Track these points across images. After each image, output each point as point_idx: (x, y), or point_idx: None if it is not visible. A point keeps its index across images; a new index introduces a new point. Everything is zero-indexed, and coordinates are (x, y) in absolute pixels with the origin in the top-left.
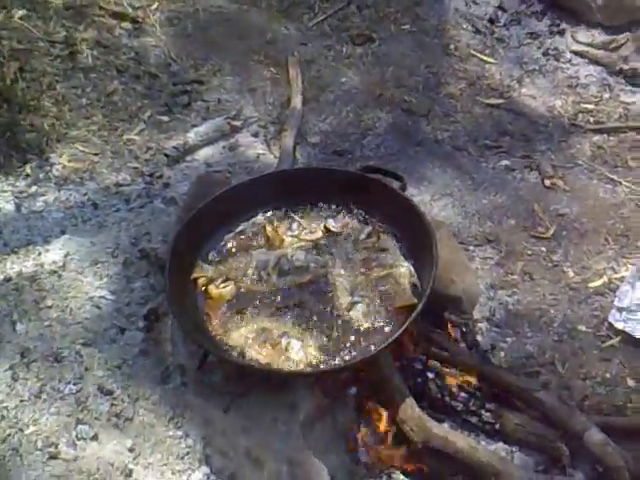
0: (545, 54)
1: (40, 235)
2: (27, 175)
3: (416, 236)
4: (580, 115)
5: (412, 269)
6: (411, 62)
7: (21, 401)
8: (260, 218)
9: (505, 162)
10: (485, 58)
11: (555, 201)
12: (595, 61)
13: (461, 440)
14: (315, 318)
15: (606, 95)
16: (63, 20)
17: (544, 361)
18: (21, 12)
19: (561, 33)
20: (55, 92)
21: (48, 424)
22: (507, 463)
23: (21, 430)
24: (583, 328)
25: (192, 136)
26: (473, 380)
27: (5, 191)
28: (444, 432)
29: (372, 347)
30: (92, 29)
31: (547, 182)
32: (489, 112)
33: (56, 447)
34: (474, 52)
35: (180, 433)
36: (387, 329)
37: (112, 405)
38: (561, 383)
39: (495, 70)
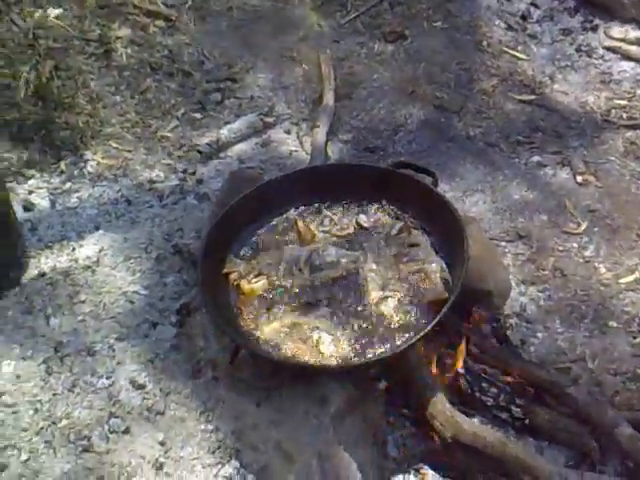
0: (578, 50)
1: (74, 231)
2: (62, 172)
3: (447, 231)
4: (613, 111)
5: (443, 264)
6: (443, 59)
7: (54, 394)
8: (292, 214)
9: (537, 158)
10: (517, 54)
11: (587, 197)
12: (628, 57)
13: (491, 435)
14: (346, 313)
15: (639, 91)
16: (98, 19)
17: (575, 357)
18: (57, 11)
19: (594, 29)
20: (89, 90)
21: (81, 417)
22: (537, 458)
23: (54, 423)
24: (614, 324)
25: (225, 133)
26: (503, 375)
27: (40, 187)
28: (474, 427)
29: (402, 342)
30: (126, 27)
31: (579, 178)
32: (521, 108)
33: (89, 440)
34: (506, 48)
35: (211, 427)
36: (418, 324)
37: (144, 399)
38: (592, 379)
39: (527, 66)
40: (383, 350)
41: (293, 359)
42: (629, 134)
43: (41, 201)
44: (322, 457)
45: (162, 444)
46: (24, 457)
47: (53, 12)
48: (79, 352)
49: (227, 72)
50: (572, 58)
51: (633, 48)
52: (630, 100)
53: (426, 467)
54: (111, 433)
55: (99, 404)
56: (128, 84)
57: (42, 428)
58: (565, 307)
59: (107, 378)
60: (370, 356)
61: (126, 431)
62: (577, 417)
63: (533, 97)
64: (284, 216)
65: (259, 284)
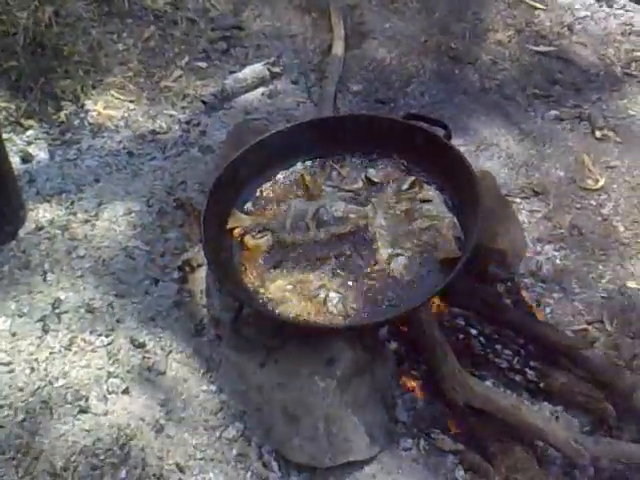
0: (598, 0)
1: (74, 183)
2: (61, 122)
3: (460, 187)
4: (633, 64)
5: (456, 221)
6: (458, 8)
7: (51, 353)
8: (299, 167)
9: (554, 112)
10: (534, 4)
11: (606, 153)
12: None
13: (504, 399)
14: (355, 270)
15: None
16: None
17: (592, 319)
18: None
19: None
20: (90, 37)
21: (78, 377)
22: (551, 424)
23: (51, 383)
24: (633, 285)
25: (230, 83)
26: (518, 337)
27: (39, 138)
28: (486, 391)
29: (413, 301)
30: None
31: (598, 133)
32: (538, 60)
33: (86, 401)
34: None
35: (214, 388)
36: (429, 282)
37: (144, 358)
38: (609, 341)
39: (545, 16)
40: (393, 309)
41: (299, 318)
42: None
43: (40, 152)
44: (329, 420)
45: (163, 405)
46: (20, 417)
47: None
48: (77, 309)
49: (233, 20)
50: (591, 8)
51: None
52: None
53: (436, 432)
54: (110, 393)
55: (97, 363)
56: (130, 32)
57: (38, 388)
58: (582, 267)
59: (106, 336)
60: (379, 315)
61: (125, 391)
62: (593, 381)
63: (551, 49)
64: (290, 170)
65: (264, 240)
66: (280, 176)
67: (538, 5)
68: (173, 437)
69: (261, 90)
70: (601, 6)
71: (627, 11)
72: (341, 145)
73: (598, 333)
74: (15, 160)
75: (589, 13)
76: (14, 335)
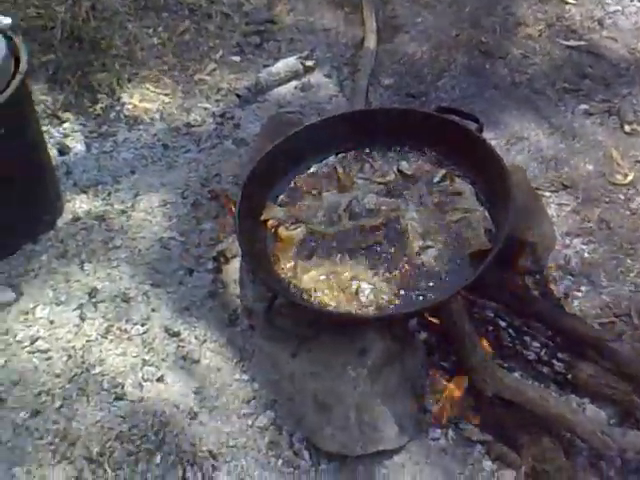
0: None
1: (110, 175)
2: (98, 115)
3: (492, 180)
4: None
5: (487, 214)
6: (488, 2)
7: (88, 341)
8: (332, 160)
9: (584, 106)
10: None
11: (635, 147)
12: None
13: (532, 390)
14: (386, 262)
15: None
16: None
17: (619, 312)
18: None
19: None
20: (126, 31)
21: (114, 364)
22: (578, 415)
23: (87, 370)
24: None
25: (264, 76)
26: (546, 329)
27: (75, 131)
28: (515, 382)
29: (444, 292)
30: None
31: (627, 127)
32: (568, 54)
33: (122, 388)
34: None
35: (246, 377)
36: (459, 274)
37: (179, 347)
38: (636, 334)
39: (575, 11)
40: (423, 300)
41: (331, 308)
42: None
43: (77, 144)
44: (360, 409)
45: (197, 393)
46: (57, 404)
47: None
48: (113, 298)
49: (267, 14)
50: (622, 3)
51: None
52: None
53: (465, 422)
54: (145, 381)
55: (133, 351)
56: (166, 26)
57: (75, 375)
58: (610, 260)
59: (142, 325)
60: (410, 306)
61: (160, 379)
62: (620, 374)
63: (581, 43)
64: (323, 162)
65: (297, 231)
66: (313, 168)
67: (569, 0)
68: (206, 424)
69: (294, 83)
70: (632, 0)
71: None
72: (374, 138)
73: (625, 326)
74: (52, 152)
75: (620, 8)
76: (52, 323)
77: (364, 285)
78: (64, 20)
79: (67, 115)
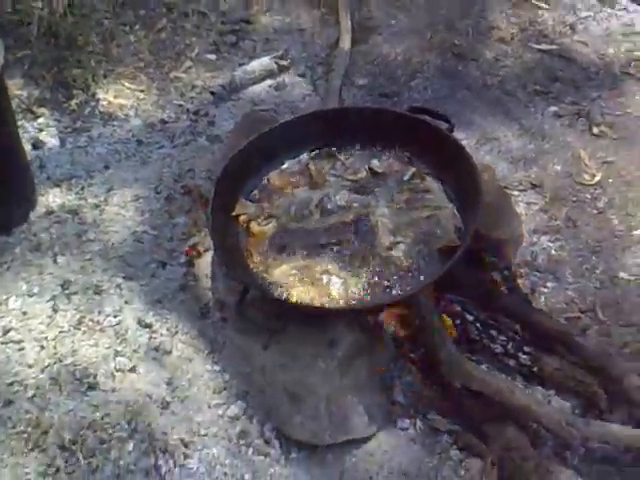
0: (600, 0)
1: (84, 169)
2: (72, 110)
3: (461, 178)
4: (632, 63)
5: (456, 211)
6: (462, 5)
7: (60, 332)
8: (305, 157)
9: (554, 108)
10: (538, 3)
11: (602, 149)
12: None
13: (499, 382)
14: (356, 257)
15: None
16: None
17: (585, 307)
18: None
19: None
20: (103, 28)
21: (87, 355)
22: (544, 406)
23: (60, 360)
24: (625, 275)
25: (239, 75)
26: (513, 324)
27: (50, 126)
28: (482, 374)
29: (412, 286)
30: None
31: (595, 130)
32: (540, 58)
33: (94, 378)
34: None
35: (218, 368)
36: (428, 269)
37: (151, 338)
38: (601, 329)
39: (548, 16)
40: (393, 294)
41: (301, 301)
42: None
43: (51, 139)
44: (329, 400)
45: (168, 383)
46: (30, 393)
47: None
48: (86, 290)
49: (243, 13)
50: (594, 9)
51: None
52: None
53: (433, 413)
54: (117, 371)
55: (105, 342)
56: (143, 23)
57: (48, 365)
58: (576, 257)
59: (114, 317)
60: (379, 299)
61: (132, 370)
62: (586, 367)
63: (553, 47)
64: (296, 159)
65: (269, 226)
66: (286, 165)
67: (542, 4)
68: (178, 414)
69: (269, 82)
70: (603, 7)
71: (629, 12)
72: (346, 136)
73: (590, 321)
74: (27, 146)
75: (591, 13)
76: (25, 314)
77: (334, 279)
78: (41, 16)
79: (42, 110)
